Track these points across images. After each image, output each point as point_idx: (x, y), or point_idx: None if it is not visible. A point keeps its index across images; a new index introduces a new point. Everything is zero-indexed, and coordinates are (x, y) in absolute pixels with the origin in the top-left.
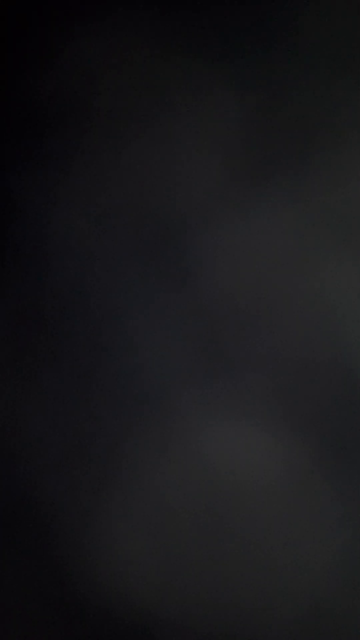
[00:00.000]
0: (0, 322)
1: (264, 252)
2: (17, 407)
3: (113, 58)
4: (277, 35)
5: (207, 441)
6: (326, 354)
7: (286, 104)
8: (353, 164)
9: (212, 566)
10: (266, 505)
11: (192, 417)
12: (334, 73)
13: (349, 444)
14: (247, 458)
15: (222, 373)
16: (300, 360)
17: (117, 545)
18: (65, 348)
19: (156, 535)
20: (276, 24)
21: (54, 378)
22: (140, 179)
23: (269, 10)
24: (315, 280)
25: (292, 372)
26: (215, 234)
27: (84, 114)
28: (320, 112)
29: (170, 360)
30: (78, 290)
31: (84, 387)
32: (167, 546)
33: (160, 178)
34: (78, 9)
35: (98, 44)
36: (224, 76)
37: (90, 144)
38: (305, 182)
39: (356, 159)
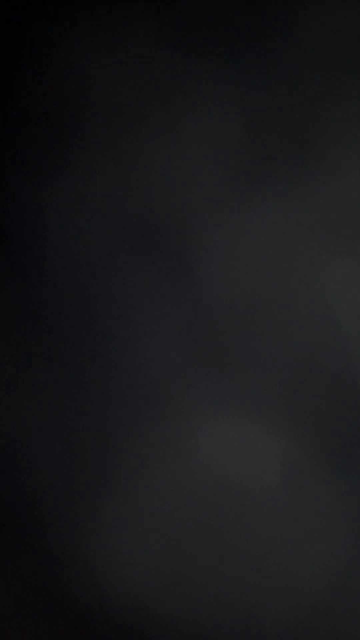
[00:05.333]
0: (0, 322)
1: (264, 251)
2: (17, 406)
3: (113, 57)
4: (277, 35)
5: (207, 441)
6: (326, 353)
7: (286, 104)
8: (353, 163)
9: (212, 566)
10: (267, 505)
11: (193, 417)
12: (334, 73)
13: (349, 444)
14: (248, 458)
15: (222, 373)
16: (300, 359)
17: (117, 545)
18: (65, 348)
19: (157, 535)
20: (276, 24)
21: (54, 378)
22: (140, 179)
23: (269, 9)
24: (315, 279)
25: (292, 372)
26: (216, 233)
27: (83, 113)
28: (320, 111)
29: (171, 360)
30: (78, 289)
31: (85, 387)
32: (167, 546)
33: (160, 177)
34: (78, 8)
35: (98, 43)
36: (224, 76)
37: (89, 143)
38: (305, 181)
39: (356, 158)
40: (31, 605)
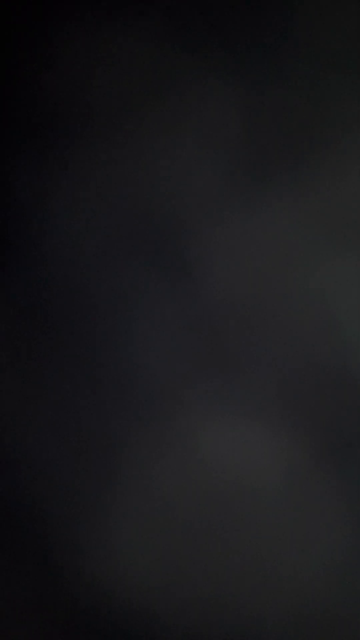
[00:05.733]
0: (0, 324)
1: (264, 251)
2: (17, 406)
3: (113, 56)
4: (277, 35)
5: (208, 441)
6: (326, 352)
7: (286, 104)
8: (353, 163)
9: (212, 566)
10: (267, 504)
11: (193, 417)
12: (334, 73)
13: (350, 443)
14: (248, 458)
15: (223, 373)
16: (300, 359)
17: (117, 545)
18: (65, 349)
19: (157, 535)
20: (276, 24)
21: (54, 378)
22: (139, 178)
23: (269, 9)
24: (315, 279)
25: (292, 371)
26: (216, 233)
27: (83, 112)
28: (320, 111)
29: (171, 360)
30: (77, 289)
31: (85, 387)
32: (167, 546)
33: (160, 177)
34: (78, 7)
35: (98, 43)
36: (224, 76)
37: (89, 143)
38: (305, 181)
39: (356, 158)
40: (31, 605)
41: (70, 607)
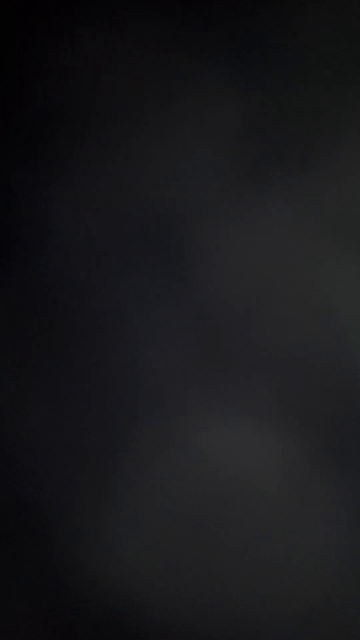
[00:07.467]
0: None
1: (264, 251)
2: (17, 405)
3: (114, 56)
4: (277, 35)
5: (207, 441)
6: (326, 352)
7: (286, 104)
8: (353, 163)
9: (212, 567)
10: (267, 505)
11: (193, 416)
12: (334, 73)
13: (350, 444)
14: (248, 458)
15: (222, 372)
16: (300, 359)
17: (117, 547)
18: (64, 347)
19: (156, 536)
20: (276, 24)
21: (54, 378)
22: (140, 178)
23: (269, 9)
24: (315, 279)
25: (292, 371)
26: (216, 233)
27: (84, 111)
28: (320, 112)
29: (171, 359)
30: (78, 288)
31: (85, 387)
32: (167, 547)
33: (160, 176)
34: (79, 7)
35: (99, 42)
36: (224, 76)
37: (90, 142)
38: (305, 181)
39: (356, 158)
40: (31, 604)
41: (69, 605)
